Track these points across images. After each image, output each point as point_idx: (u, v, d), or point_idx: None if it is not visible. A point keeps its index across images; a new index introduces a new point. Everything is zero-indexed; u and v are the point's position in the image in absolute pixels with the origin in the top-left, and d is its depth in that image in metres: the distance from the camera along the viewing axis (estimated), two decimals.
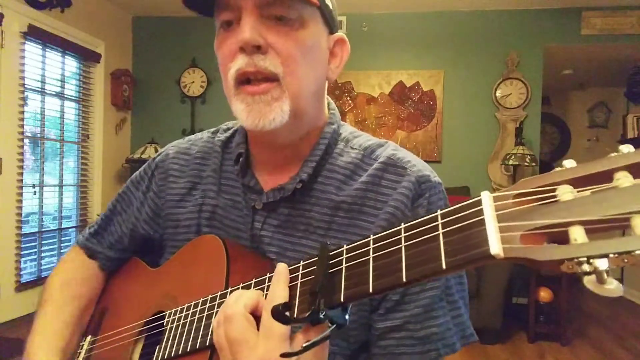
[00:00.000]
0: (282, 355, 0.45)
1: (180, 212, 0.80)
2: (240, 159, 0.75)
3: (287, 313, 0.47)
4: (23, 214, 3.59)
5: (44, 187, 3.85)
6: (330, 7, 0.70)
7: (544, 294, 3.43)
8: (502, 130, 4.30)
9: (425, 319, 0.66)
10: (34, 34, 3.58)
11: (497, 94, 4.28)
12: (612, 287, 0.30)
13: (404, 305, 0.66)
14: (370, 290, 0.43)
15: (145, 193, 0.85)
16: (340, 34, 0.74)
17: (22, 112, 3.53)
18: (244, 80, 0.65)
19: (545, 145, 6.14)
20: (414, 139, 4.38)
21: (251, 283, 0.57)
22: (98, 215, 4.20)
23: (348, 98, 4.49)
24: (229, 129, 0.84)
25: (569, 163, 0.36)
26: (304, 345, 0.43)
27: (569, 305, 3.76)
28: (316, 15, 0.67)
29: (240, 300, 0.52)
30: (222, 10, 0.65)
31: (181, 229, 0.79)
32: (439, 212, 0.41)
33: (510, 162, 3.93)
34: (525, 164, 3.90)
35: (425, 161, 0.74)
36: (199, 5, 0.67)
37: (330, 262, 0.48)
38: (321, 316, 0.44)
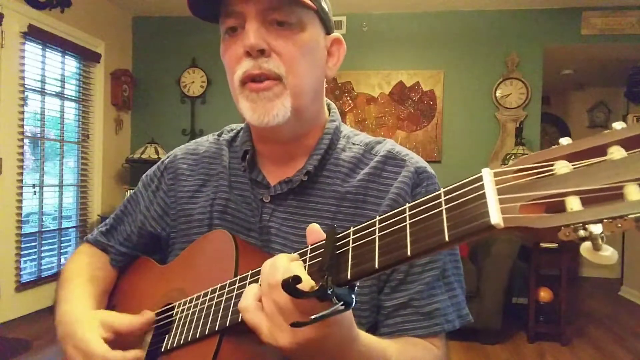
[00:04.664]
0: (292, 325, 0.47)
1: (192, 207, 0.83)
2: (247, 156, 0.79)
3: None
4: (23, 214, 3.60)
5: (44, 187, 3.85)
6: (326, 9, 0.76)
7: (544, 294, 3.43)
8: (502, 130, 4.31)
9: (428, 296, 0.71)
10: (34, 34, 3.59)
11: (497, 94, 4.29)
12: (608, 254, 0.32)
13: (407, 285, 0.71)
14: (376, 266, 0.45)
15: (154, 192, 0.88)
16: (336, 34, 0.79)
17: (22, 112, 3.54)
18: (249, 80, 0.70)
19: (545, 145, 6.13)
20: (414, 139, 4.39)
21: (259, 270, 0.58)
22: (98, 216, 4.14)
23: (348, 98, 4.50)
24: (232, 129, 0.89)
25: (565, 140, 0.38)
26: (313, 317, 0.45)
27: (569, 305, 3.76)
28: (314, 18, 0.73)
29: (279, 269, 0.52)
30: (227, 18, 0.70)
31: (194, 223, 0.82)
32: (442, 190, 0.43)
33: (510, 162, 3.93)
34: None
35: (426, 161, 0.80)
36: (206, 13, 0.72)
37: (337, 243, 0.50)
38: (329, 292, 0.45)
